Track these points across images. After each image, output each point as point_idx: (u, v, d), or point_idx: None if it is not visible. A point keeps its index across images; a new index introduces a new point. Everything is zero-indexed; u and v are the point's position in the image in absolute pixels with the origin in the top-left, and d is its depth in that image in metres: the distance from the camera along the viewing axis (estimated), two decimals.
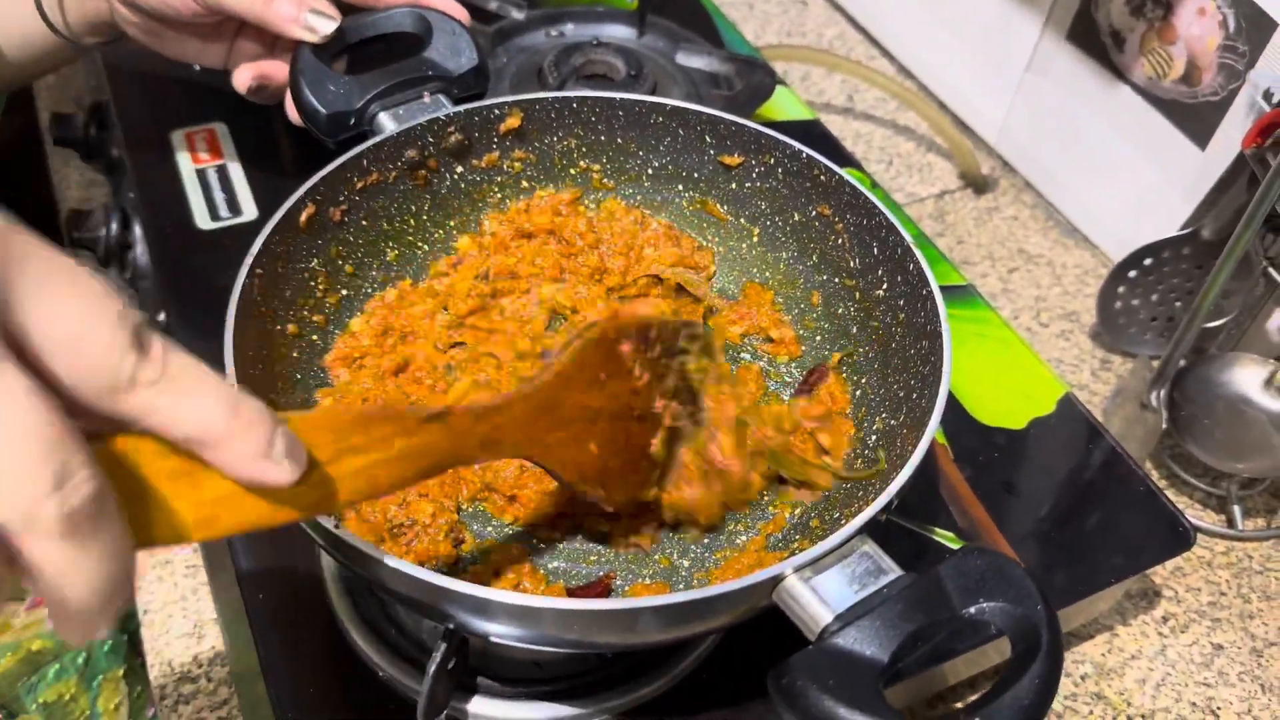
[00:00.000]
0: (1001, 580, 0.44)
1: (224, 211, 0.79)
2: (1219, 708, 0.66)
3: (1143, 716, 0.66)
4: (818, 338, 0.68)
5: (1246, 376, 0.71)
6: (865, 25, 1.17)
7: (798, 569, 0.44)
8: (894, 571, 0.45)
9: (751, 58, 0.91)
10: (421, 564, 0.53)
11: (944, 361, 0.54)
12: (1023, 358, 0.75)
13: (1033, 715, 0.40)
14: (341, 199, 0.62)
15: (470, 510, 0.58)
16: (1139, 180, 0.88)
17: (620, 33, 0.94)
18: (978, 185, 1.01)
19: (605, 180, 0.72)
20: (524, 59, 0.91)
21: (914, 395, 0.58)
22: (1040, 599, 0.43)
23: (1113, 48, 0.86)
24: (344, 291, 0.64)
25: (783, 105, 0.93)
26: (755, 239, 0.71)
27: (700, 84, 0.90)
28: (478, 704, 0.54)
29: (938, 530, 0.65)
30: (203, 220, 0.79)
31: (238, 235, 0.77)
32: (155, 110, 0.87)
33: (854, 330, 0.66)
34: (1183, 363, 0.74)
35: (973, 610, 0.44)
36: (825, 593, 0.44)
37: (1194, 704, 0.66)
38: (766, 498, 0.59)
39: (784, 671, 0.42)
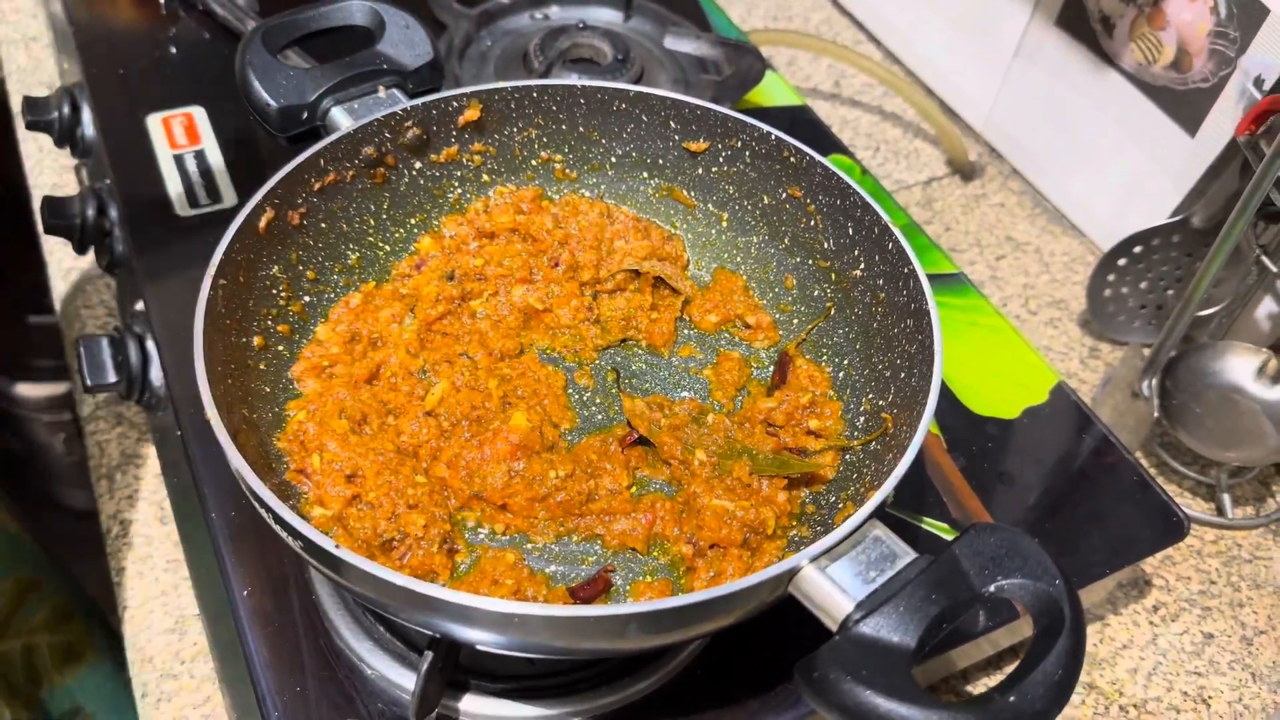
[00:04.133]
0: (1017, 556, 0.44)
1: (203, 198, 0.77)
2: (1210, 696, 0.66)
3: (1135, 706, 0.66)
4: (794, 321, 0.67)
5: (1238, 365, 0.70)
6: (851, 9, 1.16)
7: (814, 559, 0.44)
8: (907, 555, 0.45)
9: (741, 42, 0.90)
10: (418, 578, 0.52)
11: (934, 339, 0.54)
12: (1015, 346, 0.74)
13: (1063, 688, 0.40)
14: (300, 201, 0.61)
15: (461, 520, 0.57)
16: (1127, 167, 0.88)
17: (606, 16, 0.93)
18: (965, 172, 1.00)
19: (568, 171, 0.71)
20: (508, 42, 0.89)
21: (902, 375, 0.58)
22: (1058, 573, 0.43)
23: (1102, 33, 0.86)
24: (307, 298, 0.62)
25: (771, 91, 0.92)
26: (724, 224, 0.70)
27: (688, 69, 0.89)
28: (470, 702, 0.54)
29: (927, 520, 0.65)
30: (181, 207, 0.77)
31: (217, 223, 0.75)
32: (131, 93, 0.85)
33: (831, 312, 0.65)
34: (1173, 351, 0.74)
35: (992, 588, 0.43)
36: (843, 581, 0.43)
37: (1185, 693, 0.66)
38: (765, 488, 0.58)
39: (814, 665, 0.41)
